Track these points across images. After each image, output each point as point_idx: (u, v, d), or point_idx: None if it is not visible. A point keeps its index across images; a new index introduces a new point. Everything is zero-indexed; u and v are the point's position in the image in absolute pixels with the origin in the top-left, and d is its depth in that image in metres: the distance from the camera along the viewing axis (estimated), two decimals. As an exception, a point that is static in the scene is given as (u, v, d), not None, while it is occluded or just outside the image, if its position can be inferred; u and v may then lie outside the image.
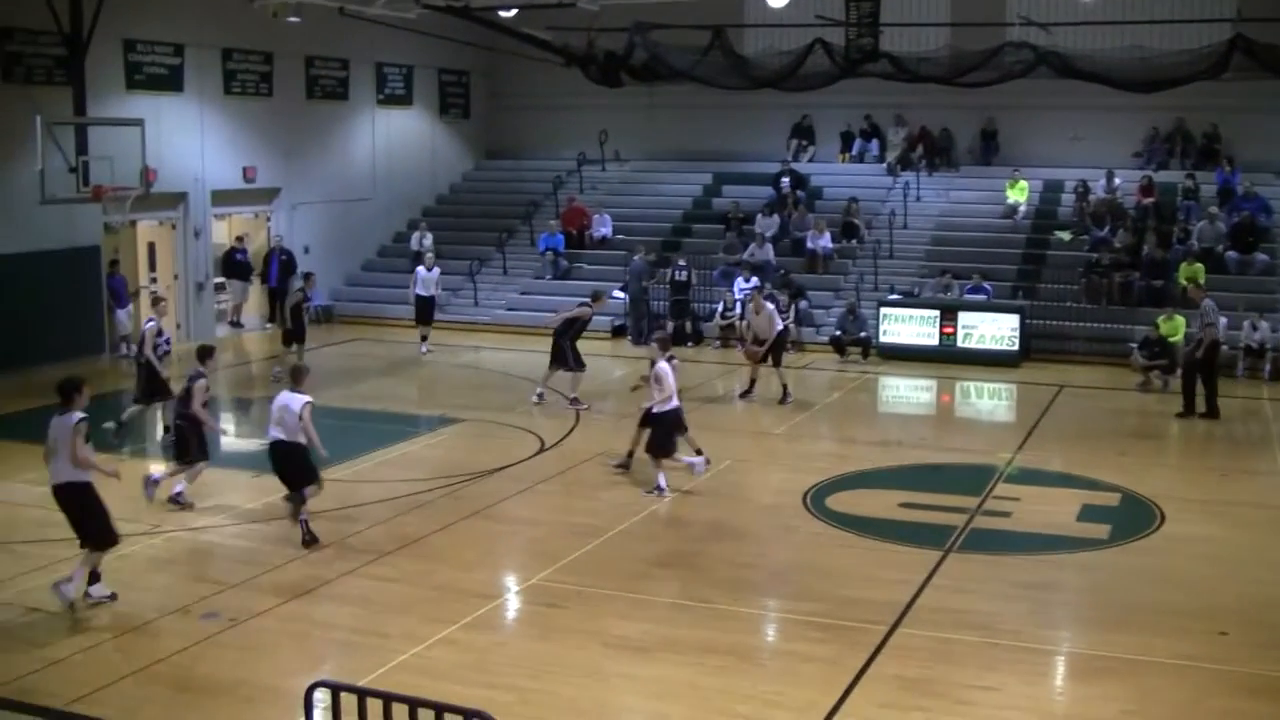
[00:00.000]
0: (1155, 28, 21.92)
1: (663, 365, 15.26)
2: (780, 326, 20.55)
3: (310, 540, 13.01)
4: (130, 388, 22.56)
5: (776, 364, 20.36)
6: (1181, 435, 19.48)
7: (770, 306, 20.67)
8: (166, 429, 17.43)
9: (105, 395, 21.83)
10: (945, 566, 12.55)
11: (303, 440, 13.06)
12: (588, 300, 20.54)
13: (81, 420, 11.12)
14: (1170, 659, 10.30)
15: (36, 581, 11.93)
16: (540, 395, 20.03)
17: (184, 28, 25.29)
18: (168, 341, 17.69)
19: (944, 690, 9.66)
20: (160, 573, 12.26)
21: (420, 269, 25.41)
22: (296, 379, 13.58)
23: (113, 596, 11.44)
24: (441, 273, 27.11)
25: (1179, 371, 21.78)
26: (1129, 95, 22.03)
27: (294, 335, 21.65)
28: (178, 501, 14.35)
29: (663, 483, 15.03)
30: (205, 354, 15.19)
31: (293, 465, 13.18)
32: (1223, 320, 21.48)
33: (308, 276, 22.79)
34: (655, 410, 15.20)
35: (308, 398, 13.23)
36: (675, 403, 15.25)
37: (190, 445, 14.60)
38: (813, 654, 10.41)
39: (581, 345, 20.21)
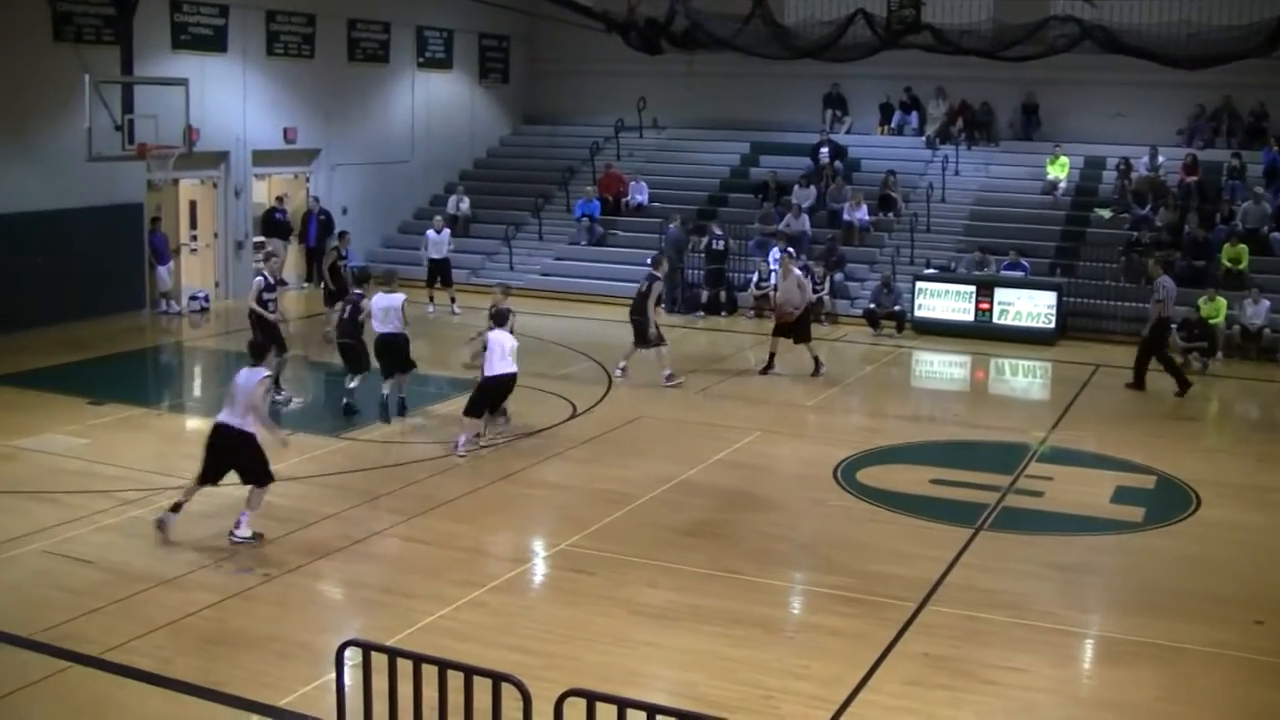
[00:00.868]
0: (1204, 2, 21.65)
1: (489, 335, 15.26)
2: (811, 297, 20.37)
3: (402, 411, 16.66)
4: (168, 344, 22.94)
5: (804, 339, 20.02)
6: (1219, 419, 19.35)
7: (798, 273, 20.51)
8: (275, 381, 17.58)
9: (144, 350, 22.17)
10: (976, 544, 12.52)
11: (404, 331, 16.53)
12: (655, 274, 19.74)
13: (266, 377, 12.12)
14: (1203, 646, 10.22)
15: (76, 531, 12.15)
16: (658, 365, 19.53)
17: (229, -13, 25.39)
18: (275, 301, 17.43)
19: (971, 669, 9.66)
20: (195, 527, 12.37)
21: (430, 232, 25.58)
22: (388, 281, 17.01)
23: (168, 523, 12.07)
24: (475, 237, 27.21)
25: (1219, 354, 21.75)
26: (1174, 71, 21.73)
27: (337, 295, 21.67)
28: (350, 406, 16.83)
29: (461, 441, 15.18)
30: (364, 279, 18.22)
31: (397, 354, 16.56)
32: (1257, 307, 21.25)
33: (342, 235, 22.89)
34: (484, 374, 15.21)
35: (404, 296, 16.80)
36: (500, 372, 15.11)
37: (362, 359, 16.90)
38: (840, 628, 10.42)
39: (615, 313, 20.11)
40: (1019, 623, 10.57)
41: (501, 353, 15.11)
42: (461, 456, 15.01)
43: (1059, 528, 13.19)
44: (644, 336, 19.26)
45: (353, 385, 16.92)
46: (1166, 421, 18.29)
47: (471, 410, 15.31)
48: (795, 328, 20.00)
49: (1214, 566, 12.24)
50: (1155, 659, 9.99)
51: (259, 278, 17.66)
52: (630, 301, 19.74)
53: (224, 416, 12.03)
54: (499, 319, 15.41)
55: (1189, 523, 13.54)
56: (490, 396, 15.41)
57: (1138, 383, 19.65)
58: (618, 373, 19.45)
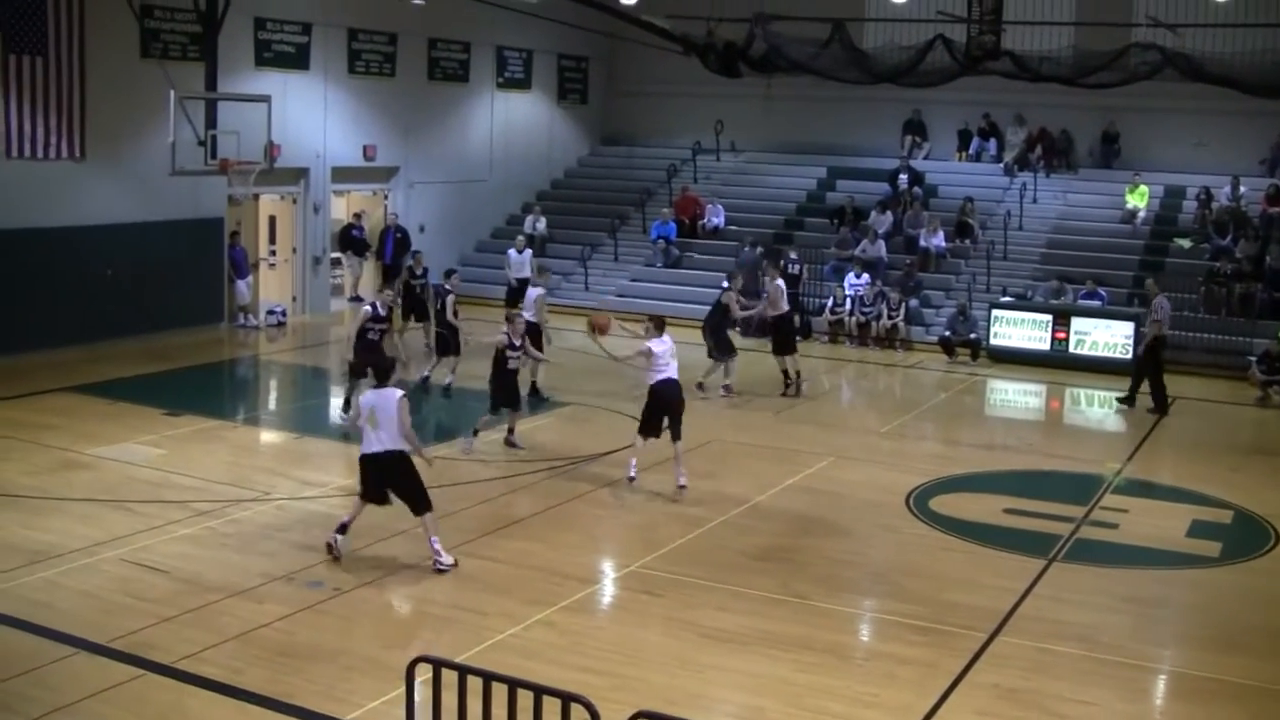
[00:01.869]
0: (1289, 30, 21.27)
1: (651, 342, 14.95)
2: (785, 309, 20.48)
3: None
4: (245, 357, 23.28)
5: (784, 351, 20.26)
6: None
7: (780, 283, 20.60)
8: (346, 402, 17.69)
9: (221, 363, 22.53)
10: (1048, 575, 12.36)
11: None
12: (729, 288, 20.68)
13: (404, 396, 12.00)
14: (1280, 685, 10.04)
15: (152, 540, 12.35)
16: (727, 387, 20.05)
17: (312, 7, 25.78)
18: (382, 331, 17.45)
19: (1041, 702, 9.53)
20: (269, 539, 12.56)
21: (511, 251, 25.78)
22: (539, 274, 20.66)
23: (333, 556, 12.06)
24: (551, 256, 27.31)
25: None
26: (1257, 100, 21.38)
27: (406, 310, 21.75)
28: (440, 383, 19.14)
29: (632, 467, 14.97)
30: (450, 273, 20.03)
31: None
32: None
33: (416, 255, 23.12)
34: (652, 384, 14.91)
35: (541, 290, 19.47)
36: (660, 376, 14.80)
37: (450, 345, 19.03)
38: (910, 657, 10.33)
39: (690, 336, 20.21)
40: (1090, 656, 10.42)
41: (666, 359, 14.83)
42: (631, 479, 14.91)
43: (1133, 560, 12.98)
44: (726, 349, 19.65)
45: (444, 375, 19.18)
46: (1244, 455, 17.96)
47: (642, 430, 14.95)
48: (774, 337, 20.43)
49: (1294, 605, 11.99)
50: (1230, 697, 9.80)
51: (367, 307, 17.70)
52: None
53: (369, 446, 11.85)
54: (660, 325, 15.16)
55: (1268, 558, 13.27)
56: (658, 406, 14.84)
57: (1128, 400, 20.28)
58: (722, 392, 19.80)
